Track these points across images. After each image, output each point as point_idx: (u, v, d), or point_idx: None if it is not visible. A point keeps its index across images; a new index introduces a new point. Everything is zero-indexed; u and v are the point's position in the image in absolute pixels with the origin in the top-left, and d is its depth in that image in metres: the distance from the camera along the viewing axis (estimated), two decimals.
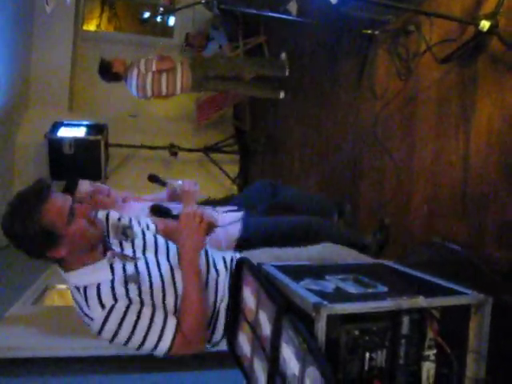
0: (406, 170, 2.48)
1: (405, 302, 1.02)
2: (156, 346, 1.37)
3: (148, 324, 1.36)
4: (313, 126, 3.72)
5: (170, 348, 1.38)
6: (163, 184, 2.48)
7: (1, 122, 4.13)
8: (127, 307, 1.35)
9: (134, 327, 1.34)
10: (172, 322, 1.39)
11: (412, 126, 2.46)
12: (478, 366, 1.07)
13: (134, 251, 1.50)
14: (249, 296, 1.29)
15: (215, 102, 5.19)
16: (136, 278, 1.41)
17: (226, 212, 2.34)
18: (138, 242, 1.53)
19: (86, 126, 4.58)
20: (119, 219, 1.60)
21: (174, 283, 1.45)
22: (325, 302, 0.97)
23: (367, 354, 1.02)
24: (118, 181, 4.94)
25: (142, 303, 1.38)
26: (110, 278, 1.39)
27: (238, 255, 1.67)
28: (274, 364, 1.05)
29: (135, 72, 3.60)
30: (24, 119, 4.72)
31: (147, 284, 1.41)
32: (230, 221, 2.26)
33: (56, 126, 4.44)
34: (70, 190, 2.38)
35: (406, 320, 1.07)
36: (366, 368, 1.02)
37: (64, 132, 4.38)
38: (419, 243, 1.70)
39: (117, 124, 4.96)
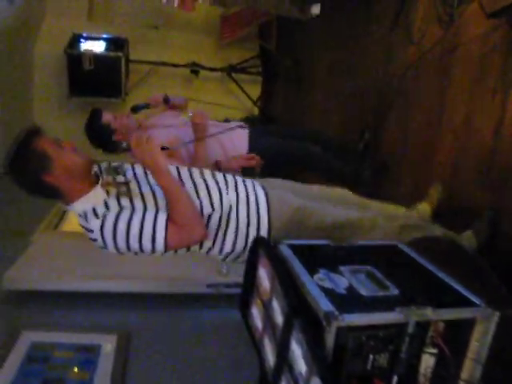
0: (432, 126, 2.40)
1: (413, 315, 1.06)
2: (153, 238, 1.52)
3: (141, 218, 1.53)
4: (341, 58, 3.53)
5: (166, 237, 1.52)
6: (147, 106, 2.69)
7: (18, 31, 4.00)
8: (119, 211, 1.54)
9: (129, 224, 1.51)
10: (162, 215, 1.55)
11: (446, 80, 2.33)
12: (475, 371, 1.14)
13: (126, 177, 1.68)
14: (264, 277, 1.34)
15: (241, 18, 4.91)
16: (127, 193, 1.62)
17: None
18: (129, 173, 1.71)
19: (107, 39, 4.41)
20: (109, 163, 1.76)
21: None
22: (336, 313, 1.01)
23: (371, 356, 1.08)
24: (138, 98, 4.86)
25: (133, 208, 1.56)
26: (104, 197, 1.59)
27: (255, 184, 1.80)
28: (282, 356, 1.12)
29: None
30: (42, 28, 4.55)
31: (137, 192, 1.62)
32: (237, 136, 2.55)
33: (75, 38, 4.29)
34: (94, 120, 2.43)
35: (412, 323, 1.12)
36: (369, 367, 1.09)
37: (84, 46, 4.24)
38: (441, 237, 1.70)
39: (138, 37, 4.77)
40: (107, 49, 4.30)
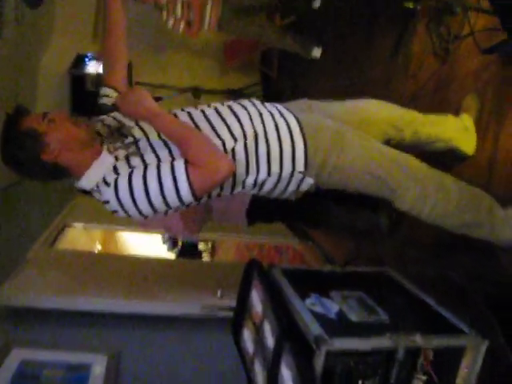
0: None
1: (402, 341, 1.07)
2: (176, 187, 1.35)
3: (156, 171, 1.37)
4: (341, 87, 3.61)
5: (189, 181, 1.35)
6: None
7: (24, 50, 4.09)
8: (131, 172, 1.39)
9: (145, 179, 1.36)
10: (179, 160, 1.38)
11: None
12: None
13: (135, 137, 1.51)
14: (256, 299, 1.35)
15: (246, 43, 5.03)
16: (137, 152, 1.46)
17: None
18: (137, 131, 1.52)
19: None
20: (109, 127, 1.57)
21: None
22: (325, 337, 1.03)
23: (360, 382, 1.09)
24: None
25: (145, 164, 1.41)
26: (112, 163, 1.44)
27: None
28: (272, 379, 1.13)
29: None
30: (47, 47, 4.66)
31: (148, 148, 1.46)
32: None
33: (79, 59, 4.39)
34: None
35: (401, 350, 1.13)
36: None
37: (88, 66, 4.33)
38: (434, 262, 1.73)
39: (140, 58, 4.85)
40: None
